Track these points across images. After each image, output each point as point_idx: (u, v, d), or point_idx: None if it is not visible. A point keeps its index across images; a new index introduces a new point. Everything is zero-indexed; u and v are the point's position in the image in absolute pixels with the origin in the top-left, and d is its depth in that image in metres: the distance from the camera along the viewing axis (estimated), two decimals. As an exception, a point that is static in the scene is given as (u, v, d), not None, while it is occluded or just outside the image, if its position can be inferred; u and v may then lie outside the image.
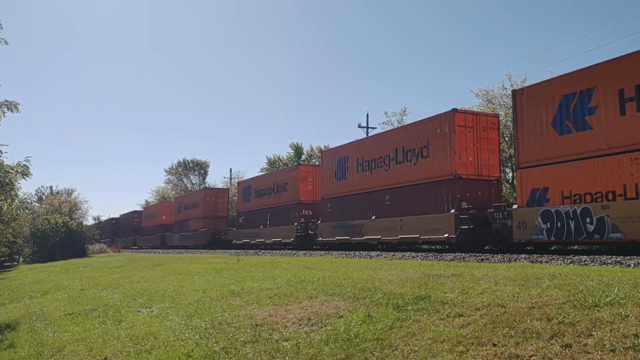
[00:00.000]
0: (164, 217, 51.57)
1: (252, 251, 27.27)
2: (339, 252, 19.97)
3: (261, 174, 43.10)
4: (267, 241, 29.94)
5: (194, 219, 42.60)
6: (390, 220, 19.55)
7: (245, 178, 58.37)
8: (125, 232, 63.32)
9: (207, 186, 61.77)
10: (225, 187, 58.94)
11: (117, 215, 70.19)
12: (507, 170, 25.94)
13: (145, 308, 9.42)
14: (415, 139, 18.87)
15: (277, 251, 25.90)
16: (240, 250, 29.13)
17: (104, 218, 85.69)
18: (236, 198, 42.15)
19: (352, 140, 23.83)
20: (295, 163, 48.10)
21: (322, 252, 21.24)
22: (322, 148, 50.76)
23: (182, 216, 46.02)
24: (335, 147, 24.80)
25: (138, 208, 70.27)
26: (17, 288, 18.66)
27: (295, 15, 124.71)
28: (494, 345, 4.99)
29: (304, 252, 22.43)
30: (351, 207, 22.35)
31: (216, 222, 41.01)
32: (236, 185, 47.16)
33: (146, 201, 77.47)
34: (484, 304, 6.30)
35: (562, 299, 6.02)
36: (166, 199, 65.85)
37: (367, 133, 39.89)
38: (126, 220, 65.05)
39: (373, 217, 20.55)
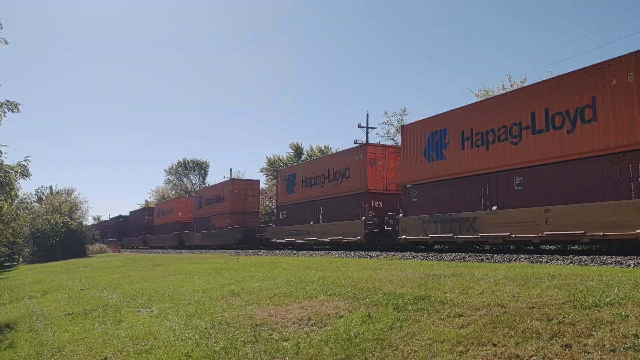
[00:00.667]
0: (180, 213, 46.93)
1: (252, 251, 27.12)
2: (339, 252, 19.88)
3: (307, 160, 38.21)
4: (320, 240, 24.61)
5: (219, 215, 37.42)
6: (527, 210, 14.43)
7: (245, 177, 57.88)
8: (135, 231, 59.48)
9: (235, 177, 53.80)
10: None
11: (125, 213, 68.24)
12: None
13: (145, 308, 9.42)
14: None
15: (277, 251, 25.78)
16: (283, 251, 25.36)
17: (104, 218, 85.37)
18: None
19: (419, 118, 20.07)
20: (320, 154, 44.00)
21: (322, 252, 21.18)
22: (322, 148, 50.71)
23: (203, 212, 40.99)
24: (426, 119, 19.34)
25: (137, 208, 69.36)
26: (17, 288, 18.66)
27: (295, 15, 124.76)
28: (494, 345, 4.99)
29: (304, 252, 22.37)
30: (454, 194, 17.30)
31: (247, 219, 35.69)
32: (271, 175, 42.95)
33: (146, 201, 77.47)
34: (484, 304, 6.30)
35: (562, 299, 6.02)
36: (166, 198, 65.39)
37: (367, 133, 39.84)
38: (135, 218, 61.05)
39: (494, 208, 15.57)
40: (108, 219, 75.79)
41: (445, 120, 18.23)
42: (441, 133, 18.32)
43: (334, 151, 51.62)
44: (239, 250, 29.70)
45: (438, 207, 17.83)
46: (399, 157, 21.11)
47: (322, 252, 21.10)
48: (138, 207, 69.80)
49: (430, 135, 18.81)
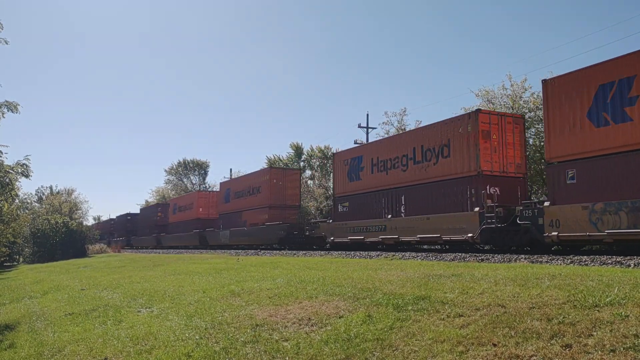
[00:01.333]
0: (201, 209, 41.68)
1: (252, 251, 27.08)
2: (339, 252, 19.82)
3: (378, 138, 30.83)
4: (404, 238, 19.21)
5: (254, 210, 31.76)
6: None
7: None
8: (146, 229, 53.95)
9: (270, 166, 43.49)
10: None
11: (125, 212, 66.35)
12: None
13: (145, 308, 9.42)
14: None
15: (277, 251, 25.67)
16: (336, 252, 20.55)
17: (104, 218, 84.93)
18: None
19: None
20: (330, 153, 37.50)
21: (322, 252, 21.11)
22: (322, 148, 50.58)
23: (231, 207, 35.32)
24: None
25: (138, 208, 68.96)
26: (17, 288, 18.67)
27: (295, 15, 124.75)
28: (494, 345, 4.99)
29: (304, 252, 22.33)
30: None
31: (286, 214, 30.12)
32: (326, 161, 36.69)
33: (146, 201, 77.33)
34: (484, 304, 6.30)
35: (562, 299, 6.02)
36: (166, 198, 65.01)
37: (367, 133, 39.79)
38: (147, 216, 55.47)
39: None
40: (115, 217, 71.27)
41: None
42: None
43: (335, 151, 51.36)
44: (275, 251, 26.65)
45: (618, 190, 13.25)
46: (519, 129, 18.07)
47: (322, 252, 21.09)
48: (138, 207, 69.90)
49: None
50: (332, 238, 24.06)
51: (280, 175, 31.86)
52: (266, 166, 53.46)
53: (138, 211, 64.55)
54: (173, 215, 47.40)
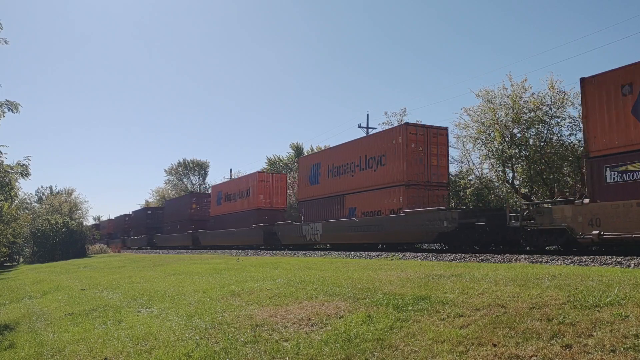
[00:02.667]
0: (261, 196, 31.52)
1: (252, 251, 27.09)
2: (339, 252, 19.87)
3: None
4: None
5: (376, 190, 21.23)
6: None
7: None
8: (175, 224, 44.40)
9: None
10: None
11: (127, 210, 64.97)
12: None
13: (145, 308, 9.42)
14: None
15: (277, 251, 25.73)
16: (336, 252, 19.50)
17: (104, 218, 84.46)
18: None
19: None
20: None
21: (322, 252, 21.17)
22: (322, 148, 50.62)
23: (324, 190, 24.86)
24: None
25: (138, 208, 67.28)
26: (17, 288, 18.66)
27: (295, 15, 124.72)
28: (494, 345, 4.99)
29: (304, 252, 22.38)
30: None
31: (439, 195, 20.13)
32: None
33: (146, 201, 77.28)
34: (484, 304, 6.29)
35: (562, 299, 6.02)
36: (166, 198, 64.49)
37: (367, 133, 39.72)
38: (176, 208, 45.76)
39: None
40: (130, 213, 64.16)
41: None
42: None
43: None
44: (275, 251, 25.72)
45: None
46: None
47: (322, 252, 21.10)
48: (139, 207, 68.62)
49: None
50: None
51: (416, 134, 28.33)
52: (266, 166, 53.40)
53: (135, 210, 62.47)
54: (217, 206, 37.57)
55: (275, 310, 7.56)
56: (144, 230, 52.90)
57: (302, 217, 26.60)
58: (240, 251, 27.81)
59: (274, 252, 25.26)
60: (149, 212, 55.19)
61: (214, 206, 38.71)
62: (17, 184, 11.57)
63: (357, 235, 21.49)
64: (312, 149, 52.09)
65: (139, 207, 68.74)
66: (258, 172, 33.33)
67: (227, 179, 49.60)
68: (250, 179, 33.39)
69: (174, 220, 45.29)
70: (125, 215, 65.14)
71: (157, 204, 70.74)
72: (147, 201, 77.20)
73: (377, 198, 21.20)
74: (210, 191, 44.22)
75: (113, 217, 72.85)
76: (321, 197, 25.32)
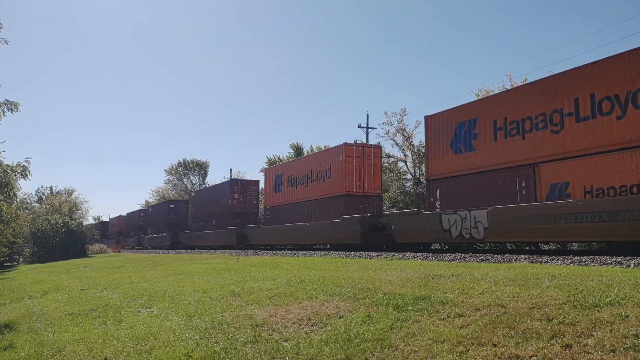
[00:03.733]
0: (350, 177, 23.21)
1: (252, 251, 27.08)
2: (339, 252, 19.88)
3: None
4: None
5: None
6: None
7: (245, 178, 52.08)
8: (209, 220, 36.66)
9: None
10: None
11: (126, 210, 61.27)
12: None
13: (145, 308, 9.42)
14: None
15: (277, 251, 25.75)
16: (336, 252, 19.45)
17: (104, 218, 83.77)
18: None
19: None
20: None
21: (322, 252, 21.17)
22: (322, 148, 50.64)
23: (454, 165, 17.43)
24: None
25: (138, 208, 66.22)
26: (17, 288, 18.66)
27: (295, 15, 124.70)
28: (494, 345, 4.99)
29: (304, 252, 22.39)
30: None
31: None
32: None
33: (146, 201, 77.17)
34: (484, 304, 6.29)
35: (562, 299, 6.02)
36: (166, 198, 64.05)
37: (367, 133, 39.71)
38: (208, 200, 38.02)
39: None
40: (147, 208, 57.88)
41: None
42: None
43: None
44: (275, 251, 25.29)
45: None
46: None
47: (322, 253, 21.09)
48: (138, 207, 67.88)
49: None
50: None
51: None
52: (266, 166, 53.57)
53: (155, 205, 55.39)
54: (275, 194, 29.64)
55: (275, 310, 7.56)
56: (166, 227, 45.02)
57: (440, 205, 20.31)
58: (314, 252, 21.33)
59: (274, 252, 25.22)
60: (172, 205, 45.37)
61: (270, 194, 30.82)
62: (17, 184, 11.58)
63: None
64: (312, 149, 52.13)
65: (138, 207, 68.02)
66: (345, 144, 23.77)
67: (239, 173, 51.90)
68: (327, 155, 25.10)
69: (207, 215, 37.32)
70: (141, 210, 58.55)
71: (116, 217, 69.71)
72: (147, 201, 77.06)
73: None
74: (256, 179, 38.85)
75: (124, 214, 66.10)
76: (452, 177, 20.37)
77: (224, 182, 38.87)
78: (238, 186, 35.65)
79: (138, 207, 69.77)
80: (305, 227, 24.91)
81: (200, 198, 41.47)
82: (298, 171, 27.59)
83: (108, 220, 76.65)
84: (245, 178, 48.29)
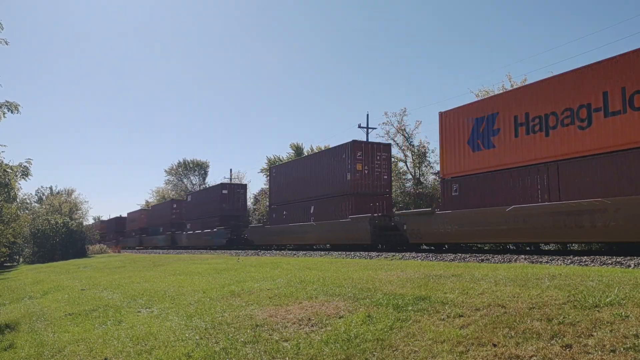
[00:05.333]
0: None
1: (252, 251, 27.10)
2: (339, 252, 19.91)
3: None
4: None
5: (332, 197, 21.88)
6: None
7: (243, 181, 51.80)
8: (299, 208, 26.01)
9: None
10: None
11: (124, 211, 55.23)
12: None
13: (145, 308, 9.42)
14: None
15: (277, 251, 25.77)
16: (336, 252, 19.56)
17: (104, 218, 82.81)
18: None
19: None
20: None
21: (322, 252, 21.18)
22: (323, 148, 50.73)
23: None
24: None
25: (138, 208, 65.18)
26: (17, 288, 18.67)
27: (295, 15, 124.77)
28: (494, 345, 4.99)
29: (304, 252, 22.39)
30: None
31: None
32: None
33: (146, 201, 77.09)
34: (484, 304, 6.29)
35: (562, 299, 6.02)
36: (166, 198, 63.43)
37: (367, 133, 39.70)
38: (298, 176, 26.76)
39: None
40: (185, 196, 47.25)
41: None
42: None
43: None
44: (274, 251, 25.44)
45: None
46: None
47: (322, 253, 21.09)
48: (139, 207, 66.43)
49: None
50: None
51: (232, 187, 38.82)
52: (266, 166, 53.50)
53: (196, 191, 45.52)
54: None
55: (275, 311, 7.56)
56: (217, 219, 34.53)
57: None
58: (314, 253, 21.17)
59: (274, 252, 25.25)
60: (225, 191, 34.91)
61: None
62: (17, 184, 11.58)
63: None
64: (312, 149, 52.13)
65: (138, 207, 66.47)
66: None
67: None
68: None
69: (297, 198, 26.68)
70: (173, 201, 47.74)
71: (136, 210, 60.76)
72: (147, 201, 77.00)
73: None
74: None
75: (148, 207, 58.17)
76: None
77: (338, 147, 24.89)
78: (362, 151, 24.02)
79: (138, 207, 68.85)
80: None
81: (282, 176, 29.67)
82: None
83: (126, 215, 65.99)
84: (245, 178, 49.52)
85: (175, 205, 47.05)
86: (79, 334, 8.07)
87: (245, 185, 42.30)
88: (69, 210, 67.00)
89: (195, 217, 40.97)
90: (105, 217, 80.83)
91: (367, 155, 23.26)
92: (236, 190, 38.45)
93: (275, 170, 30.84)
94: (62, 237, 44.70)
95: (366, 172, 22.86)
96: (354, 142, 23.00)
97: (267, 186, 42.02)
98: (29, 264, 42.83)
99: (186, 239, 41.40)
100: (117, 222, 67.18)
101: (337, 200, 23.53)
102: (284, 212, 28.18)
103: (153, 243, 49.68)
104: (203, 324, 7.35)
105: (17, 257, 54.54)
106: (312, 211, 25.25)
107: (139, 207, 67.55)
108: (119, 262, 27.47)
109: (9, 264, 48.77)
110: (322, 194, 24.69)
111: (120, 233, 64.12)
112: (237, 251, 28.70)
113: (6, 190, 11.27)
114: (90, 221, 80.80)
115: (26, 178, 11.32)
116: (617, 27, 79.30)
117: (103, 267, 24.03)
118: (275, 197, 29.94)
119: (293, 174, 28.00)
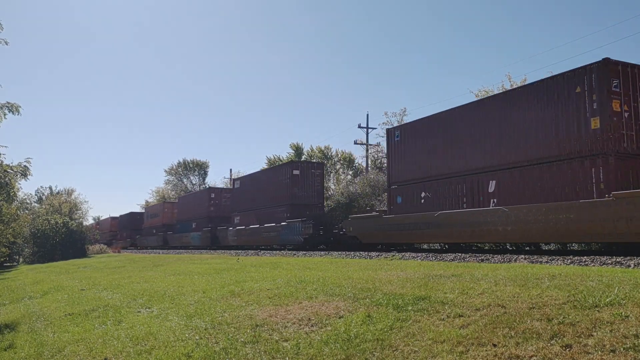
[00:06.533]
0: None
1: (252, 251, 27.09)
2: (339, 252, 19.91)
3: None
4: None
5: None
6: None
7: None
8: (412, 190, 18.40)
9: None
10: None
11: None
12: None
13: (145, 308, 9.42)
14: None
15: (278, 251, 25.78)
16: (336, 252, 19.72)
17: (103, 218, 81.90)
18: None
19: None
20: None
21: (322, 252, 21.19)
22: (322, 148, 50.75)
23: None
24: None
25: (138, 208, 65.99)
26: (17, 288, 18.67)
27: (295, 15, 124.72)
28: (494, 345, 4.99)
29: (304, 252, 22.40)
30: None
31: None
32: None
33: (146, 201, 76.99)
34: (484, 304, 6.29)
35: (562, 299, 6.02)
36: (166, 199, 63.19)
37: (367, 133, 39.70)
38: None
39: None
40: (232, 183, 41.10)
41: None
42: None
43: (334, 152, 51.25)
44: (274, 251, 25.80)
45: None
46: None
47: (322, 253, 21.09)
48: (139, 207, 67.41)
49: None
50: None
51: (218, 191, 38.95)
52: (266, 166, 53.51)
53: (246, 174, 35.79)
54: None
55: (275, 310, 7.55)
56: (285, 209, 27.12)
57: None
58: (314, 253, 21.40)
59: (274, 252, 25.23)
60: (296, 172, 27.79)
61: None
62: (17, 184, 11.58)
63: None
64: (312, 149, 52.14)
65: (139, 207, 67.56)
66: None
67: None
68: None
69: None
70: (211, 189, 39.08)
71: (157, 203, 57.46)
72: (147, 201, 76.93)
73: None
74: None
75: (174, 198, 50.73)
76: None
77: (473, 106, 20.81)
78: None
79: (138, 207, 68.92)
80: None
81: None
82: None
83: (143, 210, 59.64)
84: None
85: (213, 195, 38.21)
86: (78, 334, 8.07)
87: (323, 164, 34.75)
88: (69, 210, 66.87)
89: (247, 207, 32.37)
90: (104, 217, 79.37)
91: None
92: (310, 170, 29.01)
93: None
94: (62, 237, 44.68)
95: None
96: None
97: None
98: (28, 264, 42.83)
99: (234, 237, 32.71)
100: (132, 219, 57.79)
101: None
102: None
103: (183, 242, 41.15)
104: (203, 324, 7.35)
105: (17, 257, 54.55)
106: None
107: (139, 207, 67.32)
108: (118, 262, 27.47)
109: (8, 264, 48.78)
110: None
111: (137, 231, 54.98)
112: (237, 251, 28.62)
113: (6, 190, 11.27)
114: (90, 221, 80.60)
115: (26, 178, 11.33)
116: (616, 27, 79.32)
117: (103, 267, 24.03)
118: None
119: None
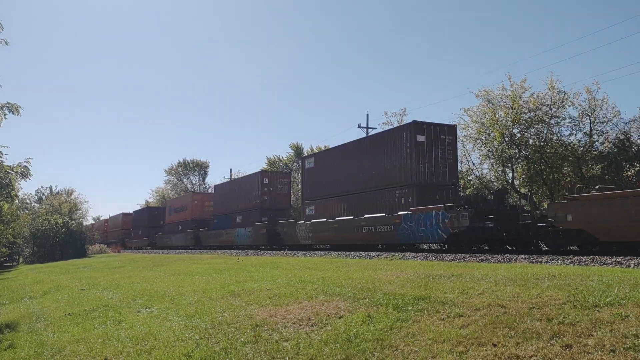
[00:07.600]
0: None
1: (252, 251, 27.10)
2: (339, 252, 19.92)
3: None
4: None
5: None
6: None
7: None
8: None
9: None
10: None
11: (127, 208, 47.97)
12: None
13: (145, 308, 9.42)
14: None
15: (337, 252, 25.78)
16: (336, 252, 18.93)
17: (103, 218, 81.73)
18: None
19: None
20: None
21: (322, 252, 21.20)
22: (322, 148, 50.72)
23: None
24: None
25: (137, 208, 64.10)
26: (17, 288, 18.66)
27: (295, 15, 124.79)
28: (494, 345, 4.99)
29: (304, 252, 22.40)
30: None
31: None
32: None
33: (146, 201, 76.97)
34: (484, 304, 6.29)
35: (562, 299, 6.02)
36: (166, 198, 63.12)
37: (367, 133, 39.74)
38: None
39: None
40: (285, 165, 38.43)
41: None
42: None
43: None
44: (274, 251, 25.22)
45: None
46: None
47: (322, 253, 21.09)
48: (139, 207, 65.22)
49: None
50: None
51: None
52: (266, 166, 53.56)
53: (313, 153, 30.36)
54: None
55: (275, 310, 7.55)
56: (404, 192, 19.34)
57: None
58: (314, 253, 21.19)
59: (274, 252, 25.25)
60: (420, 137, 19.35)
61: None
62: (17, 184, 11.58)
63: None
64: (312, 149, 52.09)
65: (139, 207, 66.01)
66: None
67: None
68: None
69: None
70: (263, 173, 31.53)
71: (157, 204, 57.30)
72: (147, 201, 76.90)
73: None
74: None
75: (202, 190, 45.13)
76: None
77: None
78: None
79: (138, 207, 68.48)
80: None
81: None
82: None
83: (165, 201, 53.03)
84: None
85: (267, 181, 29.82)
86: (78, 334, 8.07)
87: (455, 126, 18.74)
88: (69, 210, 66.82)
89: (328, 193, 24.00)
90: (104, 217, 79.23)
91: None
92: (440, 136, 19.13)
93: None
94: (62, 237, 44.67)
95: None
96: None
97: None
98: (28, 264, 42.83)
99: (308, 232, 24.41)
100: (149, 215, 49.96)
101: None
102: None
103: (224, 240, 33.22)
104: (203, 324, 7.35)
105: (17, 257, 54.54)
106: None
107: (139, 207, 67.07)
108: (118, 262, 27.47)
109: (8, 264, 48.80)
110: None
111: (155, 228, 47.50)
112: (237, 251, 28.64)
113: (7, 191, 11.27)
114: (90, 221, 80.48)
115: (26, 178, 11.33)
116: (616, 27, 79.30)
117: (103, 267, 24.03)
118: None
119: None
